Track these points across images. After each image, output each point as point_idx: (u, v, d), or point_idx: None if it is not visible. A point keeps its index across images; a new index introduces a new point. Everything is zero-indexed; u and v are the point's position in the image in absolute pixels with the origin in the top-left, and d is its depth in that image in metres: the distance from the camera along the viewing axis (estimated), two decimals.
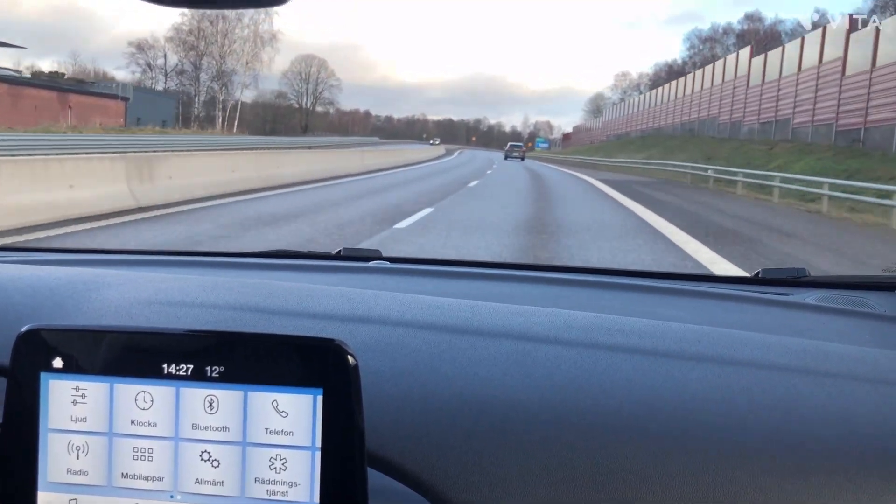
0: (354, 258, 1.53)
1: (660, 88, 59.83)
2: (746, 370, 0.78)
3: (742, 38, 74.70)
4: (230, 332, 0.55)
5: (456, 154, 70.80)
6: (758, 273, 1.46)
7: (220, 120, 77.52)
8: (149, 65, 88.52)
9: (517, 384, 0.73)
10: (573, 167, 47.11)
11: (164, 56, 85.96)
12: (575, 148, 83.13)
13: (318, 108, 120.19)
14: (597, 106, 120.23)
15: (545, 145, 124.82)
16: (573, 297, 1.22)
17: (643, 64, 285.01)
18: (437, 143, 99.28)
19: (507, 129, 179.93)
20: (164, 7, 0.58)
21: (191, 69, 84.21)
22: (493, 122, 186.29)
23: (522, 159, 59.55)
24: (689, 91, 49.14)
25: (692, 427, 0.68)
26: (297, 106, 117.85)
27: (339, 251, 1.60)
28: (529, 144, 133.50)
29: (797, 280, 1.40)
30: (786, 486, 0.63)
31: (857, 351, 0.88)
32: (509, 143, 70.37)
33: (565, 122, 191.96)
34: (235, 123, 78.58)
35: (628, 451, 0.65)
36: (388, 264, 1.43)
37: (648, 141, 52.12)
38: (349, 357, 0.52)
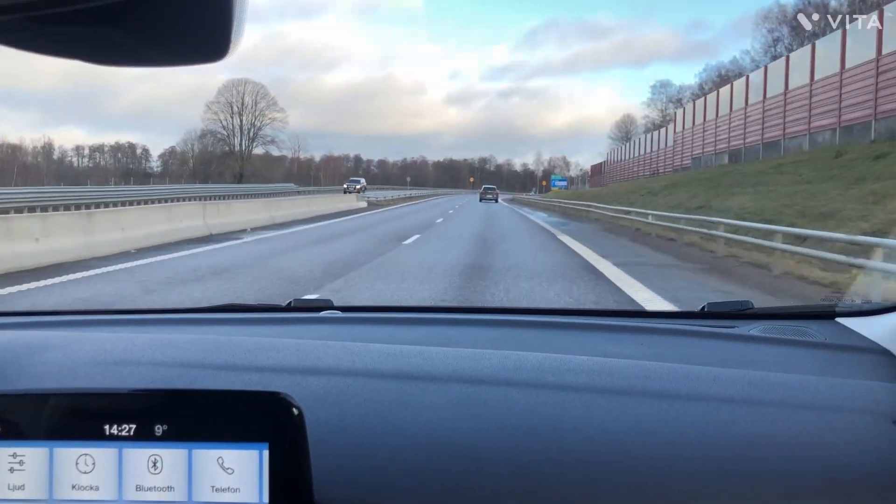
0: (305, 308, 1.50)
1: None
2: (693, 404, 0.78)
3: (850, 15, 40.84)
4: (173, 390, 0.53)
5: (381, 211, 35.33)
6: (703, 307, 1.45)
7: None
8: None
9: (468, 428, 0.73)
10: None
11: None
12: (615, 187, 48.38)
13: (258, 150, 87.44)
14: (626, 131, 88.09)
15: (563, 184, 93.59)
16: (522, 338, 1.21)
17: (679, 76, 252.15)
18: (358, 186, 55.14)
19: (518, 167, 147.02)
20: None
21: None
22: (501, 160, 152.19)
23: (496, 201, 59.35)
24: None
25: (642, 462, 0.69)
26: (228, 149, 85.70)
27: (290, 302, 1.56)
28: (544, 183, 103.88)
29: (741, 312, 1.39)
30: None
31: (799, 379, 0.89)
32: (483, 186, 67.77)
33: (582, 160, 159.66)
34: None
35: (579, 491, 0.67)
36: (339, 314, 1.40)
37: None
38: (294, 409, 0.50)
